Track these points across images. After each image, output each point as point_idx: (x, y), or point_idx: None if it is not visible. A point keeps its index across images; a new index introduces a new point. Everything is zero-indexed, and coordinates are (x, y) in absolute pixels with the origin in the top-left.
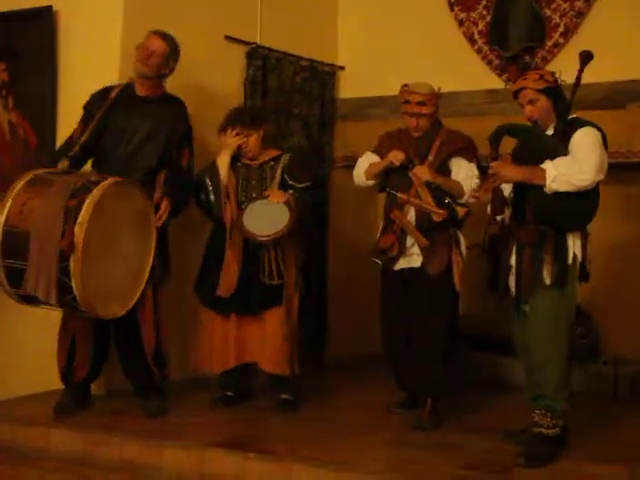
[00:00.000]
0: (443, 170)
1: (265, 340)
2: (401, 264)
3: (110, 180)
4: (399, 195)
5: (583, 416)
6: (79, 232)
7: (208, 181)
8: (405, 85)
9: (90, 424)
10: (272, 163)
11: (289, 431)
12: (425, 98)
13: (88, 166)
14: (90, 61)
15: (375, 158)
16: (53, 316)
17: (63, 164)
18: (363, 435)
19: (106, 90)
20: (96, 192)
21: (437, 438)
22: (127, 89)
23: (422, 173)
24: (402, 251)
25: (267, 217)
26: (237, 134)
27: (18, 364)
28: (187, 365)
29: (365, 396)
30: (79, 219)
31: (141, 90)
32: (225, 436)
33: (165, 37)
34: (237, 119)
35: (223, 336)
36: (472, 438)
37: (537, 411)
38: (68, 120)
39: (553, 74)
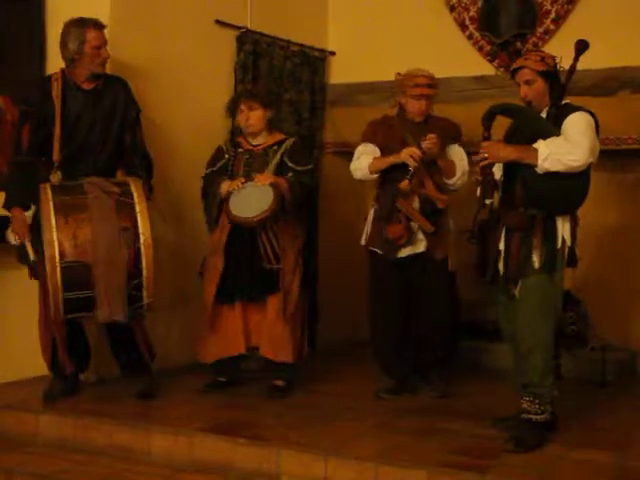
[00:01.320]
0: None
1: (266, 326)
2: (407, 251)
3: (135, 186)
4: (401, 186)
5: (571, 402)
6: (148, 251)
7: (206, 204)
8: (399, 73)
9: (79, 410)
10: (275, 147)
11: (279, 417)
12: (432, 81)
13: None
14: None
15: (373, 148)
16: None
17: (57, 176)
18: (352, 421)
19: (44, 85)
20: (139, 207)
21: (426, 424)
22: (68, 82)
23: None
24: (410, 239)
25: (251, 200)
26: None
27: (6, 350)
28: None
29: (354, 382)
30: (141, 240)
31: (87, 83)
32: (215, 421)
33: (102, 26)
34: (245, 93)
35: (231, 323)
36: (461, 424)
37: (525, 397)
38: None
39: (554, 58)
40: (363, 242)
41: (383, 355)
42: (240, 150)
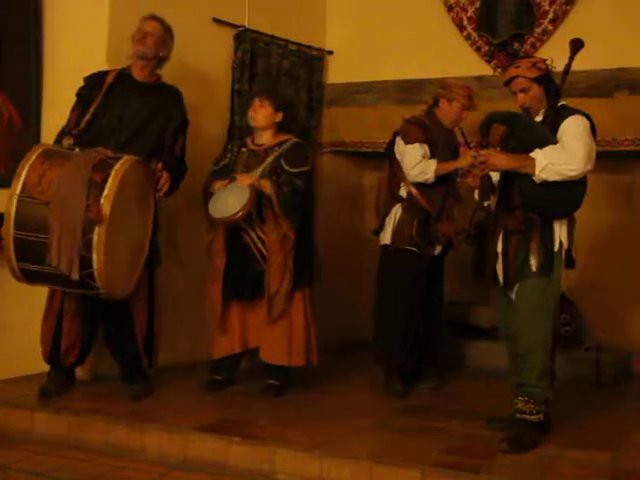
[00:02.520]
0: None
1: (261, 327)
2: (438, 249)
3: (127, 158)
4: (469, 181)
5: (566, 402)
6: (106, 205)
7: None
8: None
9: (75, 408)
10: (276, 148)
11: (274, 415)
12: (472, 94)
13: None
14: (76, 42)
15: (426, 150)
16: (42, 298)
17: (68, 141)
18: (347, 420)
19: (101, 75)
20: (119, 167)
21: (421, 423)
22: (123, 74)
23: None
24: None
25: (228, 200)
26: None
27: (2, 347)
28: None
29: (350, 381)
30: (105, 192)
31: (139, 75)
32: (210, 420)
33: (158, 19)
34: (262, 89)
35: (229, 322)
36: (456, 424)
37: (520, 398)
38: (53, 101)
39: (545, 62)
40: (387, 241)
41: (398, 354)
42: (244, 150)
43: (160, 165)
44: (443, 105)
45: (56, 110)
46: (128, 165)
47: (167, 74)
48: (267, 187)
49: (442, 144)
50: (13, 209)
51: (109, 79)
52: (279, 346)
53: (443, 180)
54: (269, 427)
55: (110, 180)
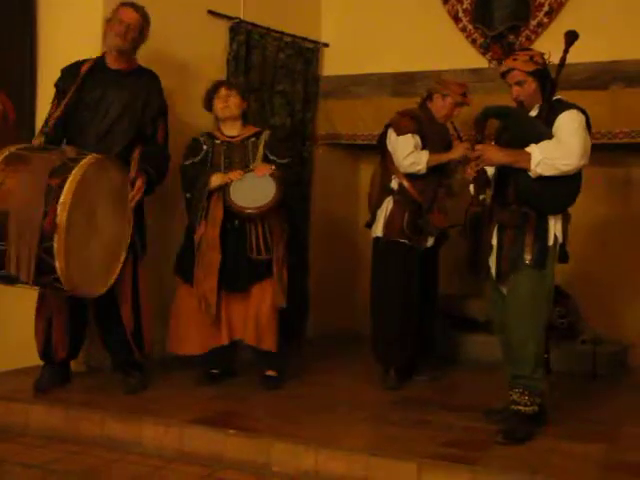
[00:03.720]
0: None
1: (250, 315)
2: (431, 241)
3: (89, 158)
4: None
5: (561, 395)
6: (62, 212)
7: (192, 195)
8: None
9: (70, 400)
10: (253, 139)
11: (270, 408)
12: (467, 91)
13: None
14: (70, 34)
15: (418, 140)
16: (35, 293)
17: (39, 140)
18: (344, 412)
19: (77, 65)
20: (77, 171)
21: (417, 416)
22: (99, 62)
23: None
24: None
25: (254, 190)
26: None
27: (1, 339)
28: (168, 345)
29: (346, 374)
30: (61, 199)
31: (115, 63)
32: (206, 413)
33: (137, 8)
34: (224, 81)
35: (218, 314)
36: (451, 416)
37: (515, 390)
38: (47, 94)
39: (543, 56)
40: (379, 234)
41: (395, 347)
42: (217, 142)
43: (132, 174)
44: (437, 99)
45: (50, 103)
46: (88, 166)
47: (161, 66)
48: (277, 176)
49: (434, 137)
50: None
51: (84, 68)
52: (269, 332)
53: (435, 172)
54: (265, 420)
55: (67, 185)
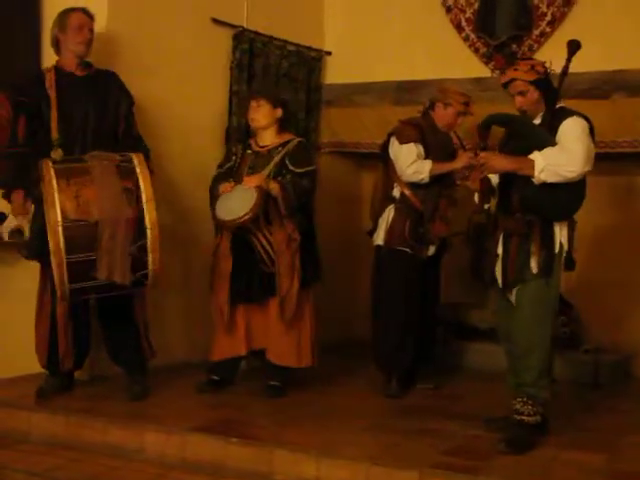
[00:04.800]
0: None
1: (269, 329)
2: (432, 250)
3: (133, 154)
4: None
5: (564, 404)
6: (150, 208)
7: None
8: (443, 84)
9: (72, 408)
10: (280, 148)
11: (272, 416)
12: (469, 100)
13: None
14: None
15: (421, 150)
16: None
17: (58, 153)
18: (346, 421)
19: (38, 76)
20: (140, 169)
21: (419, 424)
22: (61, 72)
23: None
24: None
25: (236, 202)
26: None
27: (3, 347)
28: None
29: (348, 381)
30: (144, 197)
31: (81, 70)
32: (207, 421)
33: (86, 11)
34: (256, 90)
35: (233, 324)
36: (453, 425)
37: (518, 399)
38: None
39: (544, 64)
40: (381, 242)
41: (396, 355)
42: (248, 152)
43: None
44: (439, 109)
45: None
46: (143, 164)
47: (164, 73)
48: (274, 188)
49: (437, 146)
50: (61, 238)
51: (50, 79)
52: (288, 347)
53: (437, 181)
54: (267, 428)
55: (142, 184)
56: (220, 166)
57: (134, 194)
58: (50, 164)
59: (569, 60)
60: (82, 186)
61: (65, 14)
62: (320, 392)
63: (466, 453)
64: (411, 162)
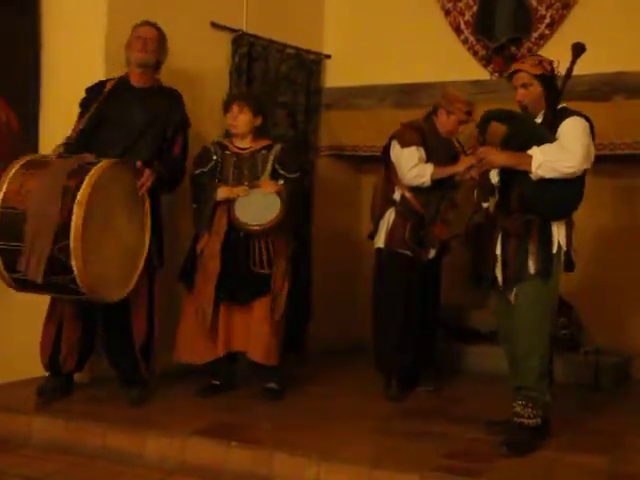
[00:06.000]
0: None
1: (252, 329)
2: (433, 252)
3: (106, 162)
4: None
5: (564, 406)
6: (78, 210)
7: (198, 206)
8: (446, 89)
9: (73, 412)
10: (264, 152)
11: (272, 420)
12: (472, 109)
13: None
14: (74, 45)
15: (422, 153)
16: (40, 305)
17: (58, 149)
18: (346, 424)
19: (101, 84)
20: (94, 172)
21: (420, 427)
22: (122, 81)
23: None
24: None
25: (259, 207)
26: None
27: (3, 351)
28: (172, 355)
29: (348, 385)
30: (78, 198)
31: (138, 81)
32: (208, 424)
33: (153, 25)
34: (240, 95)
35: (212, 325)
36: (455, 428)
37: (518, 401)
38: (51, 106)
39: (551, 63)
40: (381, 245)
41: (396, 358)
42: (227, 152)
43: (139, 163)
44: (441, 115)
45: (54, 114)
46: (104, 168)
47: (164, 77)
48: (283, 193)
49: (438, 150)
50: None
51: (108, 87)
52: (272, 347)
53: (438, 185)
54: (267, 431)
55: (83, 185)
56: (200, 164)
57: (72, 193)
58: (32, 156)
59: (573, 63)
60: (31, 177)
61: (135, 27)
62: (321, 395)
63: (467, 456)
64: (412, 166)
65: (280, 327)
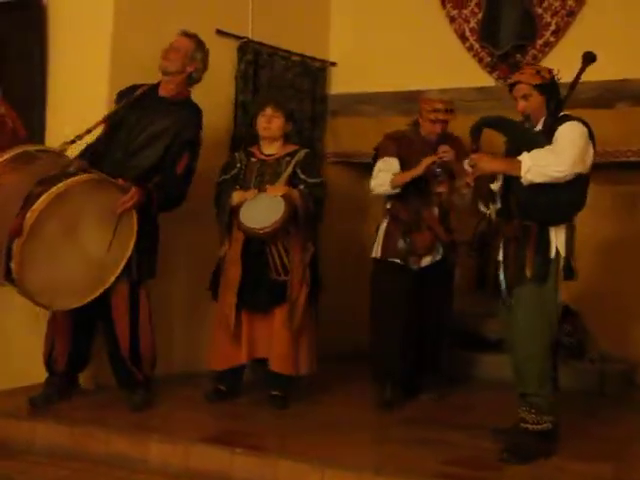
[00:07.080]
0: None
1: (273, 337)
2: (427, 260)
3: (85, 176)
4: (440, 190)
5: (569, 413)
6: (30, 218)
7: (217, 212)
8: (423, 94)
9: (76, 418)
10: (288, 158)
11: (276, 427)
12: (450, 106)
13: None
14: (80, 52)
15: (393, 163)
16: (41, 309)
17: (64, 146)
18: (349, 431)
19: (132, 88)
20: (62, 185)
21: (423, 435)
22: (152, 88)
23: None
24: (431, 248)
25: (263, 210)
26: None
27: (3, 357)
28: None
29: (352, 393)
30: (34, 206)
31: (163, 90)
32: (212, 431)
33: (188, 35)
34: (274, 98)
35: (236, 332)
36: (458, 435)
37: (523, 407)
38: (57, 111)
39: (551, 71)
40: (377, 255)
41: (391, 363)
42: (253, 160)
43: (121, 181)
44: (420, 119)
45: (59, 120)
46: (78, 183)
47: None
48: (296, 198)
49: (418, 156)
50: None
51: (137, 92)
52: (291, 356)
53: (417, 191)
54: (271, 438)
55: (44, 195)
56: (224, 172)
57: (32, 200)
58: (28, 147)
59: (582, 70)
60: (12, 172)
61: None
62: (325, 402)
63: (471, 463)
64: (374, 176)
65: (306, 336)
